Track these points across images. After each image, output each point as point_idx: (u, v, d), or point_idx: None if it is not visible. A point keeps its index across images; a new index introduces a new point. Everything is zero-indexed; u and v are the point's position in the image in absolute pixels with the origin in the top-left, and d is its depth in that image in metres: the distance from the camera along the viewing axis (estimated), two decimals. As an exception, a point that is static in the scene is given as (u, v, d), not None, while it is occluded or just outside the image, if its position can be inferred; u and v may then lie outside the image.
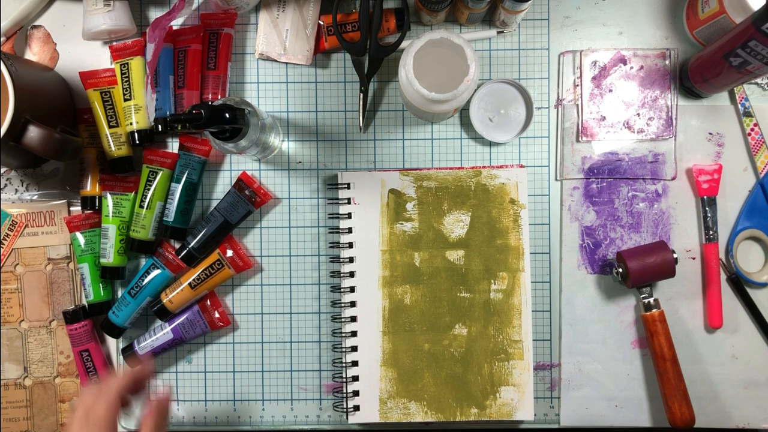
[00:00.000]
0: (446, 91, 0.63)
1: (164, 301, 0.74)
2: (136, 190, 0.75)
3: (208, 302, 0.75)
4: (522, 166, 0.75)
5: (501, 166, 0.75)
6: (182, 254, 0.74)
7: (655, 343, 0.72)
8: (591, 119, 0.75)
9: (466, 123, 0.76)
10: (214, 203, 0.76)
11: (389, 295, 0.75)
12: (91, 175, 0.75)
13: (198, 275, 0.74)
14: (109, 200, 0.74)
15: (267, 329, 0.77)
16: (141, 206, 0.73)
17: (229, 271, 0.74)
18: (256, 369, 0.77)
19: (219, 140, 0.63)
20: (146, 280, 0.74)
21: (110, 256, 0.74)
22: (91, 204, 0.75)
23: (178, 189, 0.74)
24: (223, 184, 0.77)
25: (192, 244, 0.73)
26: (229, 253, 0.74)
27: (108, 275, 0.74)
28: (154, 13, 0.77)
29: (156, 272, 0.74)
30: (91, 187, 0.75)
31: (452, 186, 0.75)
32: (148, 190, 0.73)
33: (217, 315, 0.75)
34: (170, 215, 0.74)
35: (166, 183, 0.74)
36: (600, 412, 0.76)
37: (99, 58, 0.77)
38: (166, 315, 0.74)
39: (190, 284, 0.74)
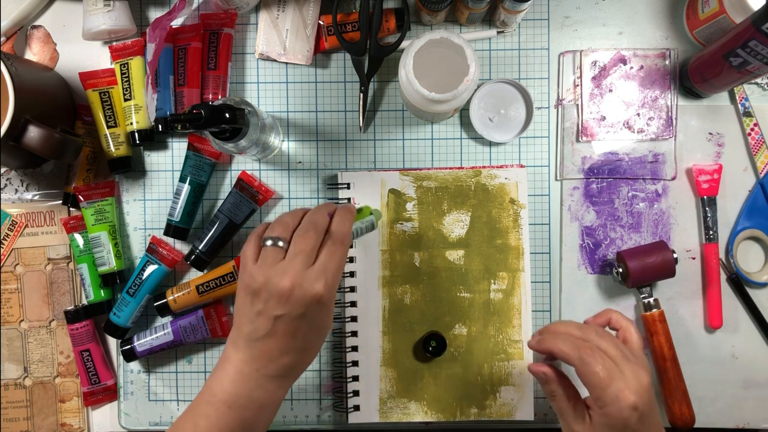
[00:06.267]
0: (446, 91, 0.63)
1: (168, 298, 0.74)
2: (113, 194, 0.75)
3: (213, 310, 0.75)
4: (522, 166, 0.75)
5: (501, 166, 0.75)
6: (191, 259, 0.74)
7: (655, 343, 0.72)
8: (591, 119, 0.75)
9: (466, 123, 0.76)
10: (211, 203, 0.76)
11: (389, 295, 0.75)
12: (78, 173, 0.75)
13: (208, 282, 0.74)
14: (91, 210, 0.74)
15: (267, 329, 0.77)
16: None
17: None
18: (256, 369, 0.77)
19: (219, 140, 0.63)
20: (143, 278, 0.74)
21: (111, 262, 0.74)
22: (73, 201, 0.75)
23: (186, 189, 0.74)
24: (221, 184, 0.77)
25: (200, 248, 0.73)
26: None
27: (111, 281, 0.74)
28: (154, 13, 0.77)
29: (152, 268, 0.74)
30: (76, 185, 0.75)
31: (452, 186, 0.75)
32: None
33: (219, 327, 0.75)
34: (176, 215, 0.74)
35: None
36: (600, 412, 0.76)
37: (99, 58, 0.77)
38: (167, 313, 0.74)
39: (197, 289, 0.74)
